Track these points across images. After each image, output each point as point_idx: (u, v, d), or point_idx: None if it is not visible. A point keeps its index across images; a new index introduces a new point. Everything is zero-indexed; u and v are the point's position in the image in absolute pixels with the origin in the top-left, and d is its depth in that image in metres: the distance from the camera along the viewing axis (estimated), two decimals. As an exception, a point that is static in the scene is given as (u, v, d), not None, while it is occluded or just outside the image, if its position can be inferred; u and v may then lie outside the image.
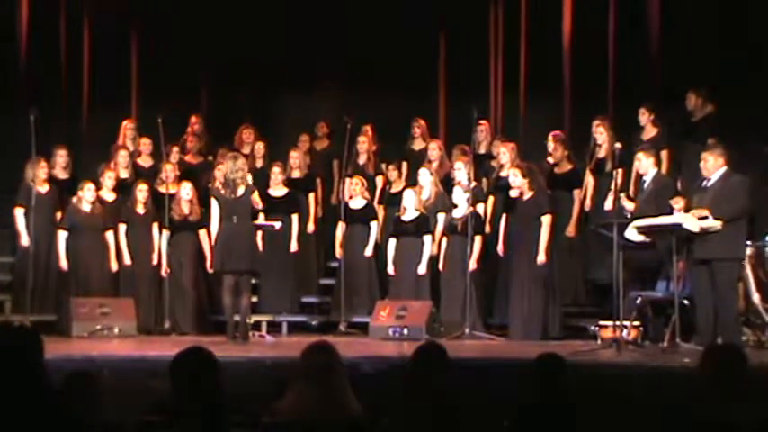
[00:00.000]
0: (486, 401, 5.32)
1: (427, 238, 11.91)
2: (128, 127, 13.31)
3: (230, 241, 10.91)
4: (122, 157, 12.75)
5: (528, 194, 11.38)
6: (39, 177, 12.01)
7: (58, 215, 12.16)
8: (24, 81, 13.90)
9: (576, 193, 11.92)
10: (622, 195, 10.30)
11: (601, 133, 11.83)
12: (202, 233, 12.07)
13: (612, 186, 10.15)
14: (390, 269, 12.03)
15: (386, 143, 13.63)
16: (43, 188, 12.13)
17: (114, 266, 12.03)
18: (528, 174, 11.42)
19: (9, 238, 12.53)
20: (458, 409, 5.10)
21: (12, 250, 12.54)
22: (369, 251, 12.35)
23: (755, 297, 10.23)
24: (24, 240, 12.04)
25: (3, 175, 12.77)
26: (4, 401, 4.25)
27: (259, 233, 11.44)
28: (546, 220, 11.27)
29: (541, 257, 11.16)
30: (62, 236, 11.92)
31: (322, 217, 13.14)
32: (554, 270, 11.35)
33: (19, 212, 12.11)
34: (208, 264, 11.99)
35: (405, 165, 13.10)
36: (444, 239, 11.90)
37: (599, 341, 10.10)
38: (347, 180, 12.66)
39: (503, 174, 12.04)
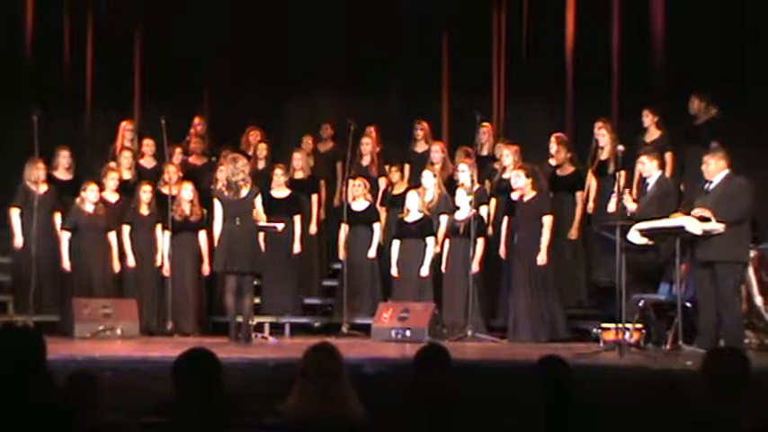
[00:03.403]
0: (489, 404, 5.32)
1: (430, 240, 11.91)
2: (126, 128, 13.26)
3: (233, 242, 10.91)
4: (126, 158, 12.76)
5: (530, 195, 11.39)
6: (35, 178, 11.99)
7: (57, 216, 12.13)
8: (28, 81, 13.91)
9: (579, 195, 11.91)
10: (626, 192, 10.30)
11: (603, 135, 11.83)
12: (202, 234, 12.08)
13: (615, 188, 10.15)
14: (394, 271, 12.03)
15: (389, 145, 13.64)
16: (41, 189, 12.06)
17: (117, 267, 12.03)
18: (531, 174, 11.43)
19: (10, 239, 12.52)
20: (460, 412, 5.10)
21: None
22: (371, 253, 12.34)
23: (758, 300, 10.24)
24: (18, 241, 12.04)
25: (5, 176, 12.74)
26: (7, 402, 4.26)
27: (261, 235, 11.43)
28: (547, 221, 11.28)
29: (542, 258, 11.17)
30: (65, 236, 11.92)
31: (325, 219, 13.13)
32: (552, 271, 11.35)
33: (14, 213, 12.09)
34: (205, 265, 12.01)
35: (407, 167, 13.10)
36: (447, 241, 11.89)
37: (601, 344, 10.10)
38: (350, 181, 12.64)
39: (505, 176, 12.03)
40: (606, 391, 7.52)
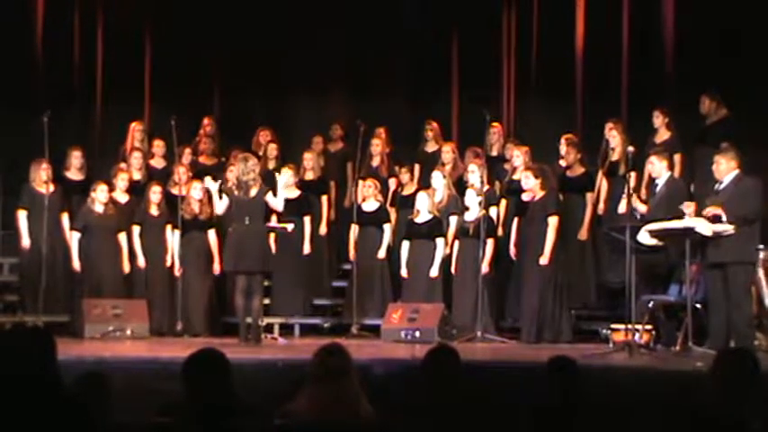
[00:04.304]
0: (498, 404, 5.31)
1: (440, 241, 11.91)
2: (136, 129, 13.28)
3: (242, 242, 10.92)
4: (136, 158, 12.77)
5: (539, 195, 11.37)
6: (39, 178, 11.99)
7: (65, 216, 12.15)
8: (38, 82, 13.93)
9: (589, 197, 11.89)
10: (634, 195, 10.29)
11: (614, 136, 11.79)
12: (211, 233, 12.09)
13: (626, 190, 10.13)
14: (403, 272, 12.02)
15: (398, 146, 13.64)
16: (46, 189, 12.01)
17: (126, 268, 12.04)
18: (540, 174, 11.42)
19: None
20: (469, 412, 5.09)
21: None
22: (381, 254, 12.34)
23: (768, 301, 10.21)
24: (25, 242, 12.04)
25: (16, 176, 12.74)
26: (17, 402, 4.26)
27: (271, 235, 11.43)
28: (552, 221, 11.25)
29: (544, 259, 11.15)
30: (75, 237, 11.93)
31: (335, 219, 13.13)
32: (561, 271, 11.33)
33: (21, 215, 12.09)
34: (216, 263, 12.02)
35: (417, 167, 13.10)
36: (456, 242, 11.88)
37: (611, 344, 10.10)
38: (360, 182, 12.63)
39: (515, 177, 12.02)
40: (615, 391, 7.51)
